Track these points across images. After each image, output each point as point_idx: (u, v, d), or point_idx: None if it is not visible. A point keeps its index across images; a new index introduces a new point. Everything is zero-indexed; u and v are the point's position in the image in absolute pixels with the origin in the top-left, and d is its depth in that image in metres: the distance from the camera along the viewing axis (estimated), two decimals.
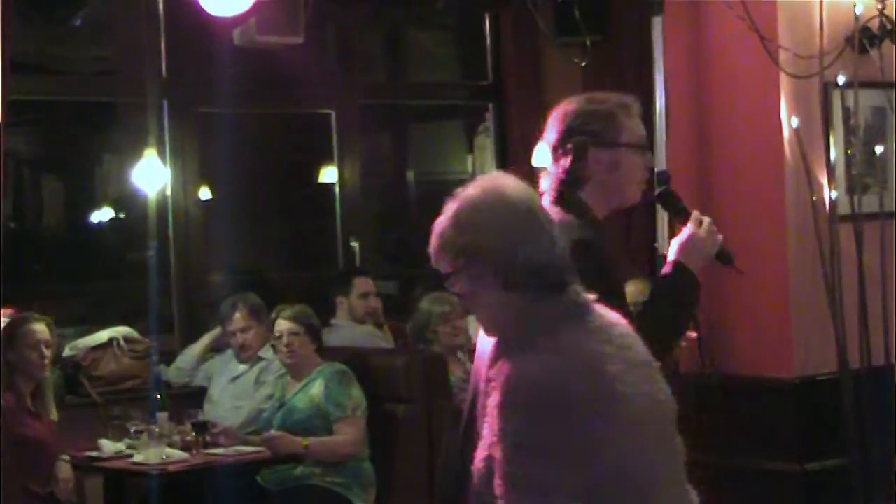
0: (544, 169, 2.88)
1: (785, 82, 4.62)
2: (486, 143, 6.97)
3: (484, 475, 2.11)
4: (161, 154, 5.54)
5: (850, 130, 4.69)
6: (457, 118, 7.76)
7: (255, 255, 7.12)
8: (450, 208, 2.16)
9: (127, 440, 4.86)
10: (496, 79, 6.74)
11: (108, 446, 4.86)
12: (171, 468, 4.61)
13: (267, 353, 5.32)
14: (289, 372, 5.10)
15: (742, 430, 4.65)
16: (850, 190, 4.68)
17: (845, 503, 4.54)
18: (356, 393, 4.96)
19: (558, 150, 2.85)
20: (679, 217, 2.90)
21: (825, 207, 4.62)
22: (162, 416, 4.91)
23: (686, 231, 2.84)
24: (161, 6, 5.80)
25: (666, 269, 2.82)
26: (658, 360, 2.31)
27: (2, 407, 4.61)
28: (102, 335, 5.49)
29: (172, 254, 5.87)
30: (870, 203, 4.71)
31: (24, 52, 5.50)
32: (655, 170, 3.22)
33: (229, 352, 5.46)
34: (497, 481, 2.05)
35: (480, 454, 2.13)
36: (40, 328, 4.79)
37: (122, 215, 6.84)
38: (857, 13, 4.64)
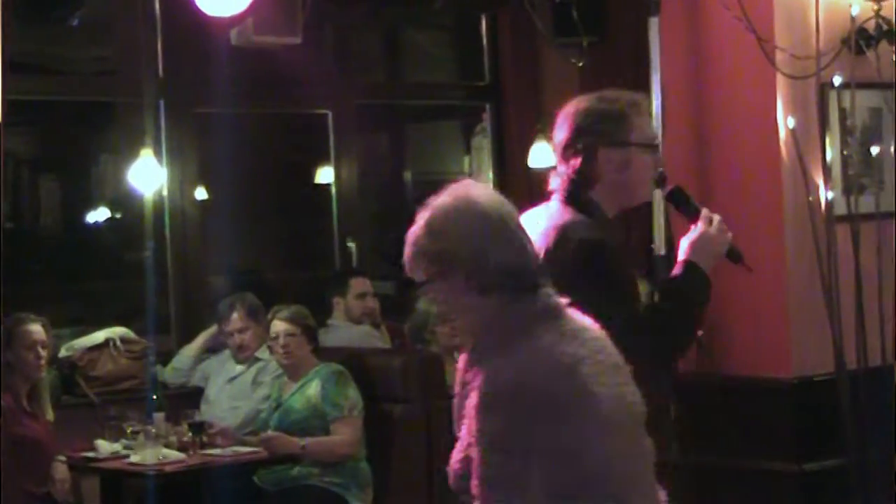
0: (552, 169, 2.86)
1: (781, 83, 4.62)
2: (483, 144, 6.97)
3: (460, 476, 2.16)
4: (158, 154, 5.53)
5: (846, 131, 4.70)
6: (454, 119, 7.76)
7: (253, 256, 7.12)
8: (422, 217, 2.21)
9: (123, 441, 4.86)
10: (493, 79, 6.74)
11: (105, 447, 4.85)
12: (168, 469, 4.61)
13: (264, 353, 5.32)
14: (285, 372, 5.10)
15: (740, 431, 4.66)
16: (847, 190, 4.68)
17: (843, 503, 4.54)
18: (353, 393, 4.95)
19: (568, 149, 2.83)
20: (689, 215, 2.87)
21: (822, 208, 4.62)
22: (158, 416, 4.90)
23: (697, 230, 2.81)
24: (158, 6, 5.80)
25: (677, 269, 2.80)
26: (673, 362, 2.34)
27: (1, 407, 4.61)
28: (99, 335, 5.49)
29: (169, 254, 5.86)
30: (866, 204, 4.71)
31: (21, 51, 5.49)
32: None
33: (226, 352, 5.45)
34: (475, 482, 2.10)
35: (456, 455, 2.19)
36: (36, 328, 4.79)
37: (118, 215, 6.83)
38: (854, 14, 4.64)
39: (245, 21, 4.97)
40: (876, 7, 4.65)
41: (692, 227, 2.85)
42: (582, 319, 2.21)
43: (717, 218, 2.84)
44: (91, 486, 4.99)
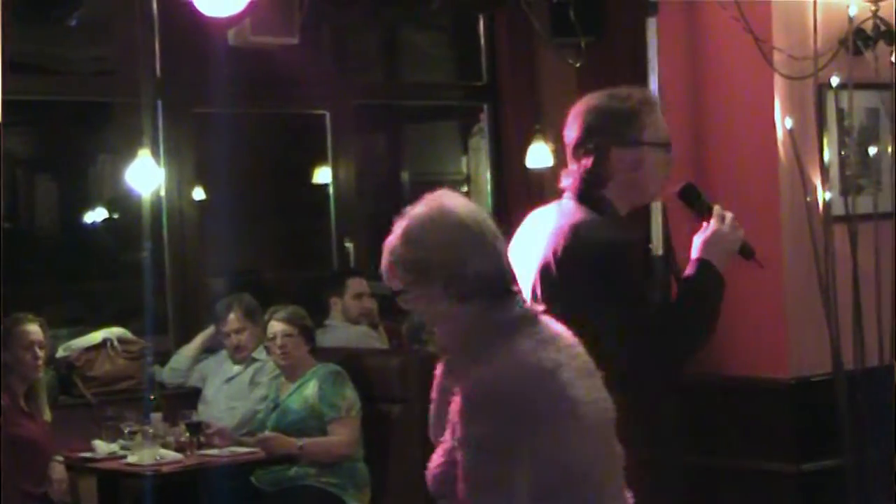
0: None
1: (779, 83, 4.62)
2: (480, 144, 6.97)
3: (440, 480, 2.21)
4: (155, 154, 5.53)
5: (844, 132, 4.69)
6: (451, 119, 7.76)
7: (250, 256, 7.12)
8: (399, 226, 2.25)
9: (121, 441, 4.86)
10: (491, 80, 6.75)
11: (102, 447, 4.85)
12: (166, 469, 4.61)
13: (261, 353, 5.32)
14: (283, 373, 5.10)
15: (737, 431, 4.65)
16: (845, 191, 4.68)
17: (841, 503, 4.54)
18: (350, 393, 4.95)
19: (579, 149, 2.82)
20: (701, 213, 2.85)
21: (819, 208, 4.62)
22: (156, 416, 4.90)
23: (710, 227, 2.79)
24: (155, 6, 5.80)
25: (690, 268, 2.77)
26: (687, 363, 2.35)
27: (1, 407, 4.61)
28: (96, 336, 5.49)
29: (167, 254, 5.86)
30: (864, 204, 4.71)
31: (19, 51, 5.49)
32: None
33: (223, 352, 5.45)
34: (461, 485, 2.14)
35: (436, 459, 2.23)
36: (34, 329, 4.78)
37: (116, 216, 6.83)
38: (852, 15, 4.64)
39: (242, 21, 4.97)
40: (874, 8, 4.65)
41: (704, 224, 2.82)
42: (556, 326, 2.25)
43: (729, 215, 2.82)
44: (88, 486, 4.99)
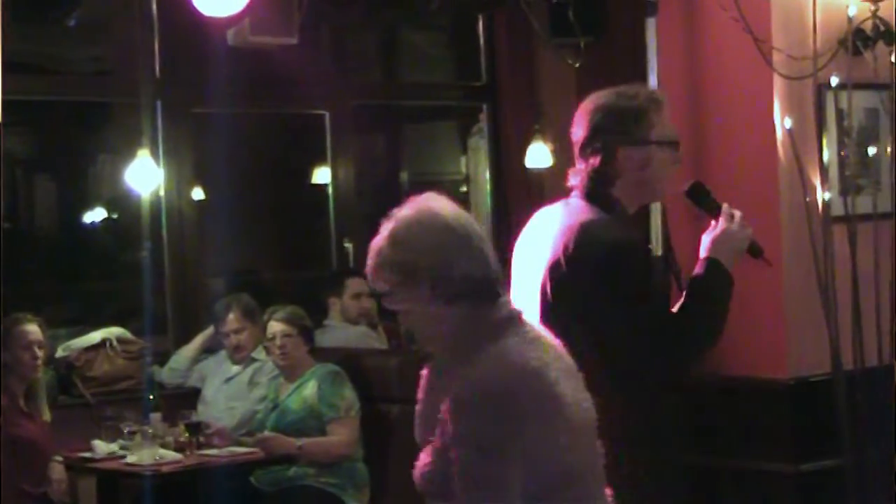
0: (571, 167, 2.84)
1: (778, 83, 4.62)
2: (479, 144, 6.97)
3: (427, 477, 2.25)
4: (154, 154, 5.53)
5: (843, 132, 4.69)
6: (451, 119, 7.76)
7: (249, 256, 7.12)
8: (385, 228, 2.26)
9: (120, 441, 4.86)
10: (490, 80, 6.75)
11: (102, 447, 4.85)
12: (165, 469, 4.61)
13: (260, 354, 5.32)
14: (282, 373, 5.10)
15: (737, 431, 4.65)
16: (844, 191, 4.67)
17: None
18: (349, 394, 4.95)
19: (587, 148, 2.80)
20: (710, 211, 2.84)
21: (819, 209, 4.62)
22: (155, 416, 4.90)
23: (718, 226, 2.78)
24: (154, 6, 5.80)
25: (699, 268, 2.76)
26: (697, 363, 2.35)
27: (1, 407, 4.61)
28: (95, 336, 5.49)
29: (166, 254, 5.86)
30: (863, 204, 4.70)
31: (18, 51, 5.49)
32: None
33: (223, 353, 5.45)
34: (455, 483, 2.16)
35: (424, 458, 2.26)
36: (32, 328, 4.78)
37: (115, 216, 6.83)
38: (851, 15, 4.64)
39: (242, 21, 4.96)
40: (873, 8, 4.64)
41: (712, 223, 2.81)
42: (538, 328, 2.29)
43: (737, 213, 2.80)
44: (88, 486, 4.99)
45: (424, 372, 2.35)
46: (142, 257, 5.55)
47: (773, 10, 4.63)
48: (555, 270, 2.72)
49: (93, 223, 6.92)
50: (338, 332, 5.76)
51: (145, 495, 4.62)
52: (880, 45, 4.68)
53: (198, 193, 6.19)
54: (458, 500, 2.17)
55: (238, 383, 5.34)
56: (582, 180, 2.80)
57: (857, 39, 4.65)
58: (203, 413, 5.19)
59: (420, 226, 2.24)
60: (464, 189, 7.35)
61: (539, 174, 6.28)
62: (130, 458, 4.70)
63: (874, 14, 4.65)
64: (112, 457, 4.81)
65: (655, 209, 4.59)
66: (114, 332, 5.53)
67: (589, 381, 2.60)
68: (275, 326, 5.02)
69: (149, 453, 4.65)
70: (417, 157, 8.16)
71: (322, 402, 4.91)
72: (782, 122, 4.62)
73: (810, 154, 4.65)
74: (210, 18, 4.60)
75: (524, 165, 6.32)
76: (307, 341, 5.07)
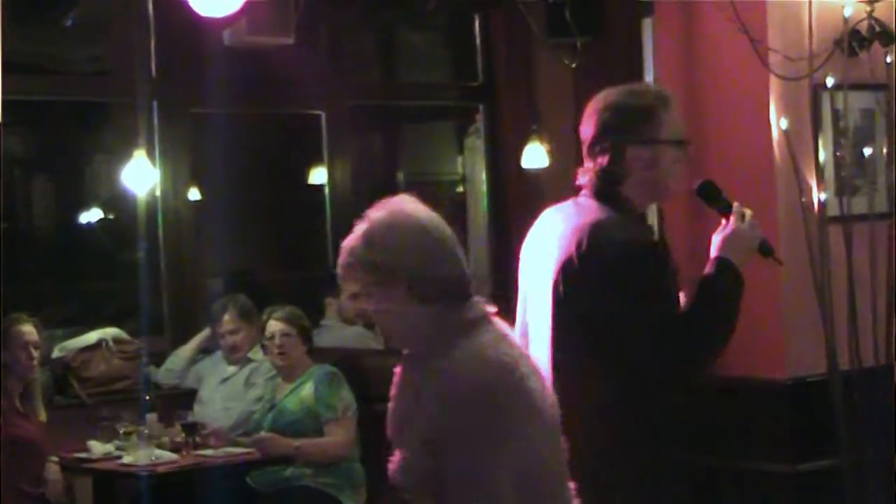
0: (581, 168, 2.82)
1: (774, 84, 4.62)
2: (476, 145, 6.97)
3: (405, 474, 2.29)
4: (151, 155, 5.52)
5: (839, 132, 4.69)
6: (447, 119, 7.76)
7: (246, 256, 7.11)
8: (360, 229, 2.31)
9: (116, 441, 4.85)
10: (487, 80, 6.75)
11: (98, 447, 4.84)
12: (161, 469, 4.61)
13: (257, 354, 5.32)
14: (280, 373, 5.09)
15: (735, 431, 4.65)
16: (840, 192, 4.68)
17: None
18: (347, 394, 4.95)
19: (595, 146, 2.78)
20: (721, 210, 2.82)
21: (815, 209, 4.63)
22: (151, 417, 4.90)
23: (729, 226, 2.76)
24: (151, 6, 5.79)
25: (709, 268, 2.74)
26: (711, 364, 2.37)
27: (1, 407, 4.61)
28: (91, 336, 5.48)
29: (162, 255, 5.86)
30: (859, 205, 4.71)
31: (14, 51, 5.48)
32: None
33: (219, 353, 5.45)
34: (434, 478, 2.21)
35: (399, 455, 2.31)
36: (28, 329, 4.78)
37: (111, 216, 6.82)
38: (847, 15, 4.65)
39: (238, 21, 4.96)
40: (869, 8, 4.65)
41: (723, 222, 2.79)
42: (506, 327, 2.33)
43: (748, 213, 2.79)
44: (84, 486, 4.99)
45: (397, 370, 2.38)
46: (138, 258, 5.55)
47: (769, 11, 4.63)
48: (567, 268, 2.71)
49: (89, 223, 6.92)
50: (335, 333, 5.76)
51: (141, 496, 4.61)
52: (876, 45, 4.69)
53: (194, 194, 6.19)
54: (436, 494, 2.21)
55: (234, 384, 5.33)
56: (591, 179, 2.79)
57: (853, 40, 4.65)
58: (199, 413, 5.19)
59: (397, 228, 2.28)
60: (460, 189, 7.35)
61: (536, 174, 6.29)
62: (126, 459, 4.70)
63: (870, 15, 4.66)
64: (108, 457, 4.80)
65: (651, 208, 4.60)
66: (110, 332, 5.53)
67: (597, 378, 2.61)
68: (274, 326, 5.02)
69: (145, 454, 4.65)
70: (414, 158, 8.16)
71: (320, 402, 4.91)
72: (778, 123, 4.62)
73: (806, 155, 4.65)
74: (207, 18, 4.59)
75: (521, 166, 6.32)
76: (306, 341, 5.07)
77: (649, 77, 4.91)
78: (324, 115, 6.44)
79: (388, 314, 2.30)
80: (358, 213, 2.38)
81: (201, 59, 5.65)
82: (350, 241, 2.32)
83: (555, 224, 2.82)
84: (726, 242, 2.75)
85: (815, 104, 4.65)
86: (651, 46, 4.88)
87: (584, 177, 2.81)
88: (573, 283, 2.70)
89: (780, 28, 4.63)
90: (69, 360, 5.38)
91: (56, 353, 5.39)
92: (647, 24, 4.90)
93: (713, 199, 2.86)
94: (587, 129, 2.80)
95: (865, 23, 4.67)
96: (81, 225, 6.96)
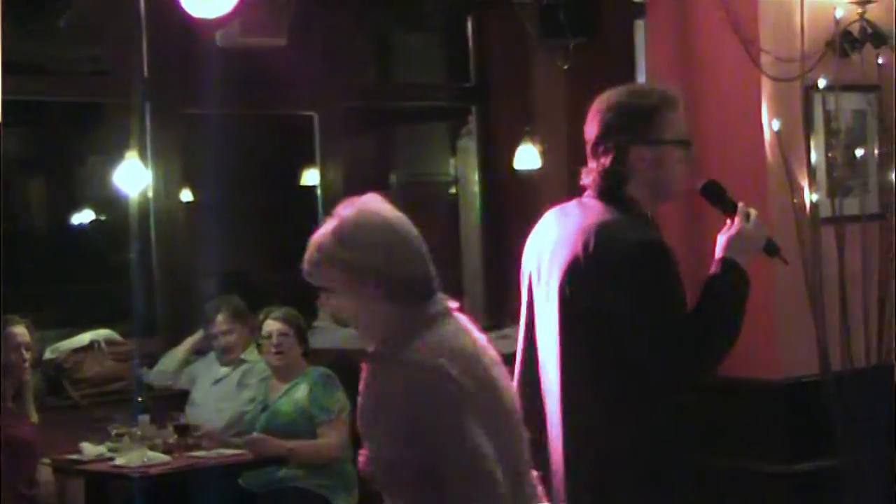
0: (584, 168, 2.81)
1: (767, 85, 4.64)
2: (469, 146, 6.97)
3: (375, 466, 2.34)
4: (143, 156, 5.52)
5: (831, 133, 4.71)
6: (440, 120, 7.76)
7: (238, 258, 7.11)
8: (329, 226, 2.36)
9: (108, 443, 4.84)
10: (480, 81, 6.75)
11: (90, 449, 4.83)
12: (153, 471, 4.60)
13: (250, 355, 5.31)
14: (274, 374, 5.09)
15: (730, 432, 4.66)
16: (832, 193, 4.69)
17: None
18: (341, 396, 4.95)
19: (598, 146, 2.78)
20: (726, 210, 2.82)
21: (807, 210, 4.64)
22: (144, 418, 4.89)
23: (735, 225, 2.77)
24: (143, 7, 5.78)
25: (715, 268, 2.74)
26: (718, 364, 2.38)
27: (1, 408, 4.60)
28: (84, 337, 5.47)
29: (155, 256, 5.85)
30: (851, 206, 4.72)
31: (9, 51, 5.47)
32: None
33: (212, 354, 5.44)
34: (404, 472, 2.27)
35: (368, 448, 2.35)
36: (20, 330, 4.77)
37: (103, 217, 6.81)
38: (838, 17, 4.66)
39: (231, 22, 4.96)
40: (860, 10, 4.66)
41: (728, 222, 2.80)
42: (467, 321, 2.38)
43: (753, 212, 2.79)
44: (75, 488, 4.97)
45: (364, 365, 2.40)
46: (131, 259, 5.53)
47: (761, 13, 4.64)
48: (574, 269, 2.71)
49: (81, 224, 6.91)
50: (328, 334, 5.76)
51: (134, 497, 4.60)
52: (867, 47, 4.71)
53: (186, 195, 6.18)
54: (406, 485, 2.28)
55: (227, 385, 5.33)
56: (594, 180, 2.78)
57: (845, 42, 4.67)
58: (192, 415, 5.18)
59: (367, 226, 2.33)
60: (453, 190, 7.35)
61: (528, 175, 6.29)
62: (119, 461, 4.69)
63: (861, 16, 4.67)
64: (100, 459, 4.79)
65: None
66: (102, 333, 5.52)
67: (606, 379, 2.61)
68: (272, 325, 5.02)
69: (137, 455, 4.64)
70: (407, 159, 8.15)
71: (314, 404, 4.91)
72: (770, 124, 4.63)
73: (798, 156, 4.66)
74: (199, 19, 4.59)
75: (513, 167, 6.33)
76: (302, 342, 5.07)
77: (642, 78, 4.91)
78: (316, 117, 6.44)
79: (357, 311, 2.35)
80: None
81: (194, 61, 5.64)
82: (319, 236, 2.36)
83: (559, 225, 2.81)
84: (731, 242, 2.76)
85: (807, 105, 4.66)
86: (644, 48, 4.88)
87: (588, 177, 2.80)
88: (580, 283, 2.70)
89: (771, 29, 4.65)
90: (61, 362, 5.37)
91: (48, 355, 5.37)
92: (640, 26, 4.90)
93: (718, 199, 2.86)
94: (591, 129, 2.80)
95: (857, 24, 4.68)
96: (73, 226, 6.95)
